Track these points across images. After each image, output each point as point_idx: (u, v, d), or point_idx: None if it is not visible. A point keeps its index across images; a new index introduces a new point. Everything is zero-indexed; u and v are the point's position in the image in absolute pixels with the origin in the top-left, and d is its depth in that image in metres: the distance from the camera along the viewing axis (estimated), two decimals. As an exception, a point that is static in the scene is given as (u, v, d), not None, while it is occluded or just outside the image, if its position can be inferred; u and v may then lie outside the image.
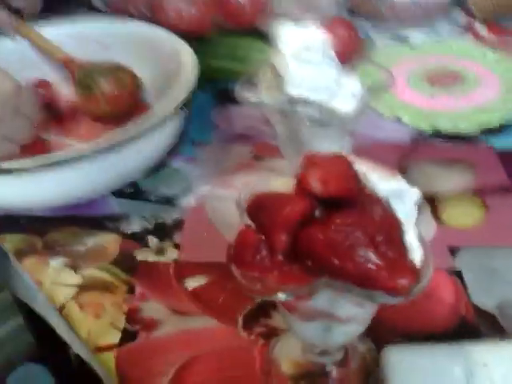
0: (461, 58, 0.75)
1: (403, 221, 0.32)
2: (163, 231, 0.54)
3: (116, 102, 0.62)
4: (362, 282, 0.30)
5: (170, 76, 0.60)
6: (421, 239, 0.33)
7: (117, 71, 0.63)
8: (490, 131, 0.63)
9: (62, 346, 0.52)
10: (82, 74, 0.63)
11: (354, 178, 0.31)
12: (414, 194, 0.33)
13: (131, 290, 0.49)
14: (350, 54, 0.47)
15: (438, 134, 0.63)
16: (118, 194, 0.58)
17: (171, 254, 0.52)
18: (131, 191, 0.59)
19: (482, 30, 0.82)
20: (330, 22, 0.47)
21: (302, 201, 0.31)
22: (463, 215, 0.53)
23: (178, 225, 0.55)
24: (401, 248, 0.31)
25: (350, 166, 0.32)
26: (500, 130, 0.63)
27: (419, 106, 0.67)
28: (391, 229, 0.31)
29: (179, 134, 0.62)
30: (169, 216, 0.56)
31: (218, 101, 0.72)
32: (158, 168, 0.61)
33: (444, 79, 0.70)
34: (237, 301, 0.47)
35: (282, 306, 0.36)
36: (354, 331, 0.37)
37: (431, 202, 0.55)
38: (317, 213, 0.32)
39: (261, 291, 0.31)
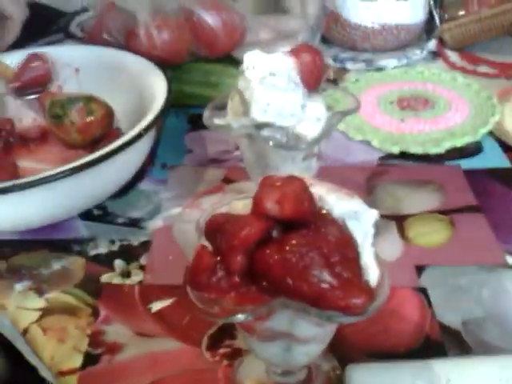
0: (431, 84, 0.76)
1: (360, 241, 0.32)
2: (129, 254, 0.54)
3: (86, 130, 0.62)
4: (317, 302, 0.30)
5: (143, 102, 0.61)
6: (378, 259, 0.33)
7: (87, 100, 0.63)
8: (458, 153, 0.64)
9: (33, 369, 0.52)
10: (52, 104, 0.63)
11: (310, 199, 0.31)
12: (371, 215, 0.33)
13: (95, 313, 0.48)
14: (316, 79, 0.47)
15: (406, 156, 0.63)
16: (86, 216, 0.58)
17: (137, 277, 0.51)
18: (99, 214, 0.59)
19: (453, 56, 0.83)
20: (296, 48, 0.48)
21: (259, 222, 0.31)
22: (430, 234, 0.54)
23: (145, 247, 0.54)
24: (356, 268, 0.31)
25: (306, 188, 0.32)
26: (468, 152, 0.64)
27: (389, 130, 0.67)
28: (346, 249, 0.31)
29: (149, 158, 0.62)
30: (136, 238, 0.55)
31: (191, 126, 0.72)
32: (127, 190, 0.61)
33: (414, 104, 0.71)
34: (201, 322, 0.46)
35: (241, 328, 0.36)
36: (314, 351, 0.36)
37: (398, 222, 0.55)
38: (274, 233, 0.32)
39: (218, 313, 0.31)
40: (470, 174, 0.61)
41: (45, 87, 0.66)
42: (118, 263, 0.53)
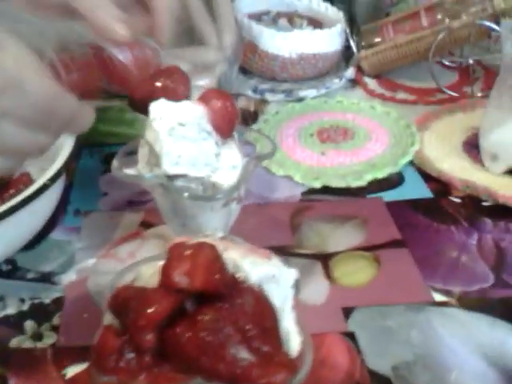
0: (351, 113, 0.75)
1: (279, 306, 0.31)
2: (41, 313, 0.50)
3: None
4: (236, 381, 0.28)
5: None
6: (298, 323, 0.31)
7: None
8: (380, 185, 0.63)
9: None
10: None
11: (222, 268, 0.29)
12: (290, 276, 0.31)
13: (4, 383, 0.44)
14: (228, 125, 0.45)
15: (328, 190, 0.62)
16: (-7, 273, 0.53)
17: (49, 339, 0.47)
18: (7, 269, 0.54)
19: (371, 84, 0.84)
20: (205, 94, 0.46)
21: (167, 298, 0.29)
22: (356, 273, 0.53)
23: (58, 304, 0.50)
24: (275, 339, 0.29)
25: (218, 256, 0.30)
26: (390, 183, 0.64)
27: (310, 164, 0.66)
28: (265, 319, 0.29)
29: (60, 204, 0.58)
30: (47, 295, 0.51)
31: (105, 166, 0.69)
32: (38, 241, 0.57)
33: (334, 136, 0.71)
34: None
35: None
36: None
37: (324, 262, 0.54)
38: (187, 305, 0.29)
39: None
40: (393, 206, 0.61)
41: None
42: (29, 324, 0.49)
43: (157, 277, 0.31)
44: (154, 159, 0.44)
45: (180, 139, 0.42)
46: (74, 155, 0.53)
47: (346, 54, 0.86)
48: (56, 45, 0.65)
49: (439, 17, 0.79)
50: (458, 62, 0.87)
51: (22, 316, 0.50)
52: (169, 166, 0.43)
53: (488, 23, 0.76)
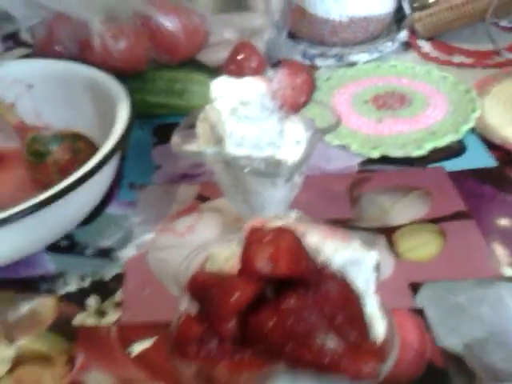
0: (406, 78, 0.73)
1: (362, 290, 0.29)
2: (102, 290, 0.49)
3: (69, 170, 0.56)
4: (323, 369, 0.27)
5: (103, 119, 0.56)
6: (383, 307, 0.30)
7: (74, 138, 0.58)
8: (441, 154, 0.61)
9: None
10: (34, 140, 0.58)
11: (305, 254, 0.28)
12: (371, 259, 0.30)
13: (72, 361, 0.44)
14: (305, 101, 0.43)
15: (388, 161, 0.60)
16: (52, 248, 0.53)
17: (112, 316, 0.47)
18: (66, 245, 0.54)
19: (426, 47, 0.80)
20: (284, 65, 0.44)
21: (249, 286, 0.28)
22: (421, 247, 0.51)
23: (119, 281, 0.50)
24: (362, 326, 0.28)
25: (299, 241, 0.28)
26: (451, 152, 0.62)
27: (367, 133, 0.64)
28: (350, 305, 0.28)
29: (116, 178, 0.57)
30: (108, 272, 0.51)
31: (157, 138, 0.68)
32: (94, 217, 0.56)
33: (391, 102, 0.68)
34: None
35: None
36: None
37: (387, 236, 0.52)
38: (267, 293, 0.28)
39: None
40: (456, 176, 0.58)
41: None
42: (91, 301, 0.49)
43: (233, 261, 0.30)
44: (216, 138, 0.42)
45: (242, 119, 0.40)
46: (127, 135, 0.52)
47: (398, 16, 0.82)
48: (103, 15, 0.64)
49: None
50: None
51: (84, 293, 0.49)
52: (232, 148, 0.41)
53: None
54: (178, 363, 0.28)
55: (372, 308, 0.29)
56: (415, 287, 0.47)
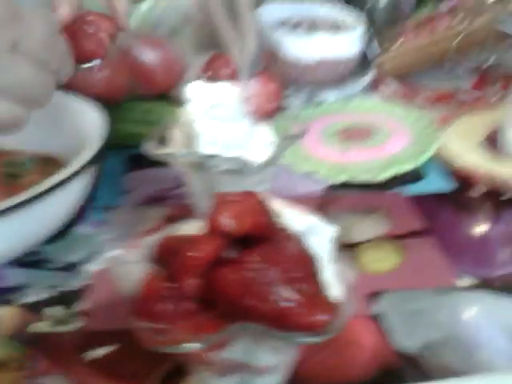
0: (371, 114, 0.76)
1: (319, 257, 0.31)
2: (65, 299, 0.50)
3: None
4: (279, 321, 0.28)
5: (77, 142, 0.58)
6: (339, 275, 0.31)
7: (44, 161, 0.60)
8: (401, 180, 0.64)
9: None
10: (9, 164, 0.60)
11: (268, 213, 0.30)
12: (329, 231, 0.32)
13: (28, 366, 0.44)
14: (274, 108, 0.46)
15: (351, 187, 0.63)
16: (17, 263, 0.54)
17: (73, 324, 0.47)
18: (31, 260, 0.55)
19: (391, 86, 0.84)
20: (255, 77, 0.47)
21: (212, 241, 0.29)
22: (381, 260, 0.53)
23: (83, 292, 0.51)
24: (317, 284, 0.29)
25: (262, 203, 0.30)
26: (410, 178, 0.64)
27: (333, 161, 0.66)
28: (307, 265, 0.30)
29: (86, 199, 0.59)
30: (72, 283, 0.52)
31: (130, 166, 0.69)
32: (63, 234, 0.57)
33: (356, 134, 0.71)
34: (149, 367, 0.43)
35: (194, 362, 0.33)
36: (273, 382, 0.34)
37: (350, 251, 0.53)
38: (230, 254, 0.30)
39: (169, 341, 0.28)
40: (415, 200, 0.61)
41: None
42: (53, 310, 0.49)
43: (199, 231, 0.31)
44: (188, 140, 0.44)
45: (215, 120, 0.43)
46: (100, 157, 0.54)
47: (366, 58, 0.86)
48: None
49: (458, 20, 0.80)
50: (476, 65, 0.87)
51: (44, 303, 0.50)
52: (204, 147, 0.43)
53: (506, 25, 0.76)
54: (139, 324, 0.29)
55: (328, 274, 0.31)
56: (374, 296, 0.48)
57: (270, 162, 0.44)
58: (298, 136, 0.48)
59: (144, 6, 0.80)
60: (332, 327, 0.28)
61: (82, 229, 0.59)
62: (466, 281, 0.50)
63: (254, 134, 0.45)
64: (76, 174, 0.51)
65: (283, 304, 0.27)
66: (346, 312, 0.29)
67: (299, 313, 0.27)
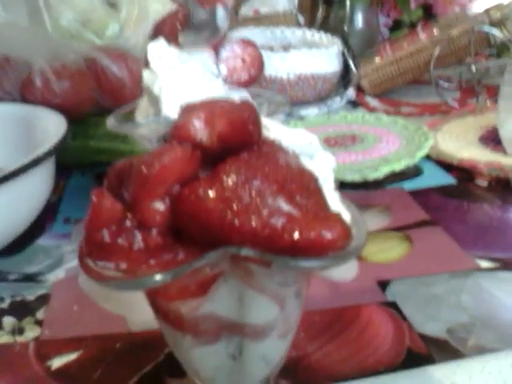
0: (356, 125, 0.71)
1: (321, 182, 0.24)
2: (22, 309, 0.42)
3: None
4: (274, 242, 0.21)
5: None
6: (345, 203, 0.25)
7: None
8: (398, 177, 0.58)
9: None
10: None
11: (245, 117, 0.23)
12: (329, 160, 0.26)
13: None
14: (254, 75, 0.41)
15: (345, 186, 0.57)
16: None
17: (31, 333, 0.40)
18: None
19: (373, 103, 0.80)
20: (239, 41, 0.42)
21: (179, 150, 0.22)
22: (387, 250, 0.47)
23: (42, 301, 0.43)
24: (320, 198, 0.23)
25: (239, 106, 0.24)
26: (407, 174, 0.59)
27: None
28: (306, 179, 0.23)
29: (50, 213, 0.52)
30: (31, 293, 0.44)
31: (97, 182, 0.63)
32: (24, 246, 0.50)
33: (341, 141, 0.66)
34: (117, 374, 0.35)
35: (171, 324, 0.26)
36: (273, 352, 0.26)
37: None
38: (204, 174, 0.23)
39: (124, 276, 0.21)
40: (416, 194, 0.55)
41: None
42: (8, 320, 0.41)
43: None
44: (154, 106, 0.38)
45: (182, 79, 0.37)
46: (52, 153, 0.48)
47: (346, 75, 0.83)
48: (47, 55, 0.62)
49: (437, 30, 0.77)
50: (458, 77, 0.84)
51: (1, 313, 0.42)
52: (170, 110, 0.37)
53: (487, 28, 0.74)
54: (89, 262, 0.22)
55: (332, 201, 0.24)
56: (384, 284, 0.42)
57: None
58: (281, 105, 0.42)
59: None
60: (343, 247, 0.21)
61: (44, 241, 0.52)
62: (483, 264, 0.44)
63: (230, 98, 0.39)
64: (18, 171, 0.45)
65: (279, 220, 0.20)
66: (360, 236, 0.22)
67: (300, 228, 0.21)
